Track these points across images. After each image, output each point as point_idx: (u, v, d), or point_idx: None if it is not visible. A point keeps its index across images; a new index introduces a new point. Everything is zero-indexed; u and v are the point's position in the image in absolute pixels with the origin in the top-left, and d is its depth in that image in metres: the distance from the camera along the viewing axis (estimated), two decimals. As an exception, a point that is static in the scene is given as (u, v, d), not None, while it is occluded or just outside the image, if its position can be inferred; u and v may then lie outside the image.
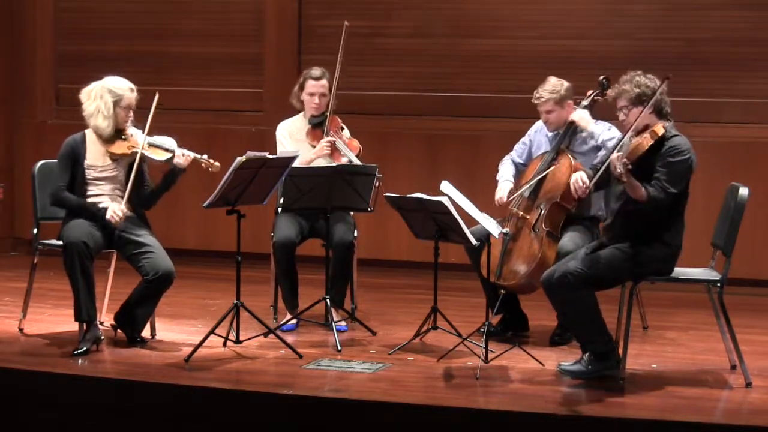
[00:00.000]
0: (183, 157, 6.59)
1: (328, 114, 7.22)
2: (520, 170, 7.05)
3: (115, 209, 6.48)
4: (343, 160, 7.13)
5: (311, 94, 7.23)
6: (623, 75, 6.02)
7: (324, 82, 7.24)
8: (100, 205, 6.53)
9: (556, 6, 8.79)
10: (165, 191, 6.71)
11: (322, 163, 7.09)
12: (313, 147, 7.17)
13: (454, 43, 8.96)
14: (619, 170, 5.68)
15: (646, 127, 5.91)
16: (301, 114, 7.37)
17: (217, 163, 6.57)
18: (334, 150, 7.16)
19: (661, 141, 5.88)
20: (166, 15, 9.52)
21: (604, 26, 8.69)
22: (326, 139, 7.15)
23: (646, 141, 5.86)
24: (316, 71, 7.26)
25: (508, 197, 6.84)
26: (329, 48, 8.47)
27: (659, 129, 5.89)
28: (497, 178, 7.03)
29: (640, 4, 8.65)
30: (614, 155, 5.79)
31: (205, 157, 6.63)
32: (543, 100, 6.82)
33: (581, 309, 5.93)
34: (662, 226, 5.93)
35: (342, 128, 7.33)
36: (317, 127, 7.25)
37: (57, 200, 6.60)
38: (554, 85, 6.83)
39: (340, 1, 9.16)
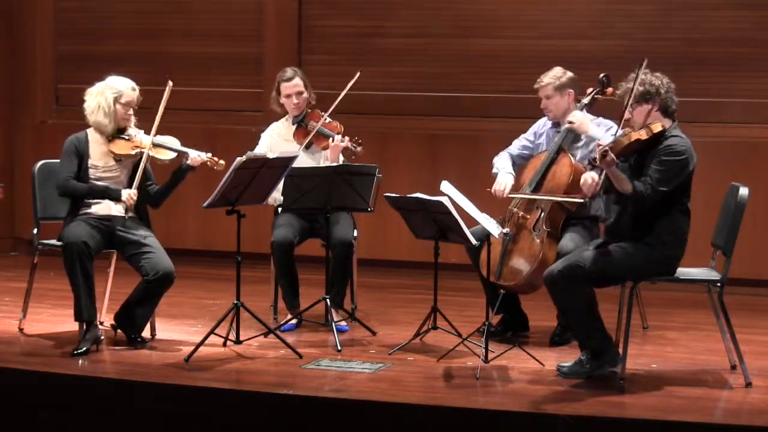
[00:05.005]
0: (198, 158, 6.62)
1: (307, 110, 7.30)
2: (518, 164, 7.02)
3: (131, 192, 6.51)
4: (330, 143, 7.12)
5: (288, 96, 7.29)
6: (630, 73, 6.01)
7: (297, 80, 7.28)
8: (102, 204, 6.54)
9: (556, 6, 8.79)
10: (173, 189, 6.73)
11: (311, 161, 7.11)
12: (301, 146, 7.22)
13: (454, 43, 8.95)
14: (596, 155, 5.66)
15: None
16: (286, 116, 7.41)
17: (221, 161, 6.58)
18: (318, 137, 7.19)
19: (657, 138, 5.88)
20: (166, 15, 9.52)
21: (604, 26, 8.68)
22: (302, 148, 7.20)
23: (637, 134, 5.85)
24: (288, 72, 7.31)
25: (510, 192, 6.82)
26: (329, 48, 8.50)
27: (656, 126, 5.88)
28: (495, 170, 6.97)
29: (640, 4, 8.64)
30: (601, 140, 5.80)
31: (209, 155, 6.64)
32: (543, 84, 6.84)
33: (580, 303, 5.93)
34: (665, 228, 5.92)
35: (322, 115, 7.31)
36: (302, 125, 7.30)
37: (65, 190, 6.56)
38: (557, 71, 6.85)
39: (340, 1, 9.16)
